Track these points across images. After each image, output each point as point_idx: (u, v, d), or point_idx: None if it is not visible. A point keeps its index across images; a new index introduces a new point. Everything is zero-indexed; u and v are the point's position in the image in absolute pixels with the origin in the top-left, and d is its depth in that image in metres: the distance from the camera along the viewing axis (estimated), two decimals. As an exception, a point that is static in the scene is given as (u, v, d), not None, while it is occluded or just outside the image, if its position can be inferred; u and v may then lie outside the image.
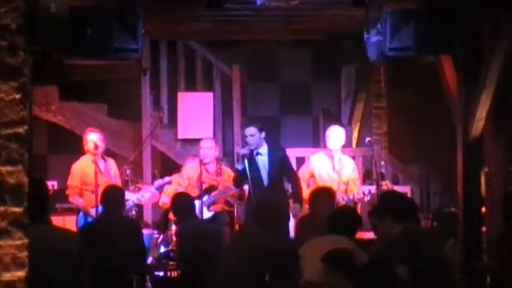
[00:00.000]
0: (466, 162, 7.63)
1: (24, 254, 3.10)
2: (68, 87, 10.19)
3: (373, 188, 8.51)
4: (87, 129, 8.66)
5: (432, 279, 5.23)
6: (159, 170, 10.03)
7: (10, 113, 3.06)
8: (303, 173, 8.69)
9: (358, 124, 11.07)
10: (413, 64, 8.54)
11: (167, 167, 10.08)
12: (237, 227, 8.82)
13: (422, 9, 7.25)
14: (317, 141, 11.08)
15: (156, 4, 8.02)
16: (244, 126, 8.60)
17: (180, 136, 10.16)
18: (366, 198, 8.51)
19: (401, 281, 4.52)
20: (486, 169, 7.90)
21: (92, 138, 8.40)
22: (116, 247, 6.36)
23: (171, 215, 7.84)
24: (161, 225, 8.81)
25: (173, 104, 10.24)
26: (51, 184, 8.50)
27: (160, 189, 8.63)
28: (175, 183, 8.64)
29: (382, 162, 9.65)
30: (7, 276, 3.07)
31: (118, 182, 8.37)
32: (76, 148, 8.74)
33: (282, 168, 8.32)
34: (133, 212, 8.50)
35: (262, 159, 8.26)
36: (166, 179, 8.61)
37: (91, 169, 8.18)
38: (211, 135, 9.74)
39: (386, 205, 5.66)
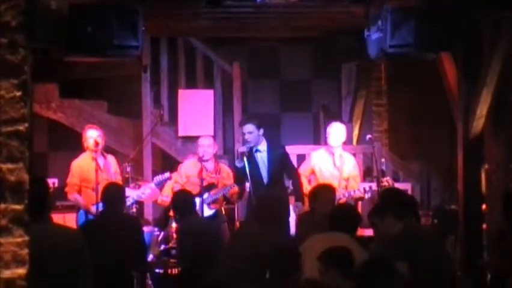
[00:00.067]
0: (466, 159, 7.63)
1: (24, 251, 3.10)
2: (69, 84, 10.18)
3: (374, 185, 8.51)
4: (86, 126, 8.62)
5: (432, 277, 5.24)
6: (159, 167, 10.04)
7: (11, 111, 3.06)
8: (303, 170, 8.69)
9: (358, 121, 11.06)
10: (414, 61, 8.55)
11: (168, 164, 10.08)
12: (237, 224, 8.82)
13: (423, 6, 7.25)
14: (317, 138, 11.08)
15: (156, 1, 8.02)
16: (242, 123, 8.58)
17: (181, 133, 10.16)
18: (367, 195, 8.51)
19: (401, 278, 4.52)
20: (486, 166, 7.91)
21: (92, 135, 8.37)
22: (117, 244, 6.36)
23: (171, 212, 7.84)
24: (162, 222, 8.81)
25: (174, 101, 10.24)
26: (52, 182, 8.51)
27: (160, 185, 8.63)
28: (172, 181, 8.63)
29: (382, 160, 9.65)
30: (7, 273, 3.07)
31: (118, 179, 8.37)
32: (77, 145, 8.74)
33: (282, 166, 8.32)
34: (134, 209, 8.50)
35: (262, 156, 8.25)
36: (166, 174, 8.60)
37: (91, 166, 8.17)
38: (212, 132, 9.75)
39: (386, 204, 5.67)
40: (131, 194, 8.34)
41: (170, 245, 7.85)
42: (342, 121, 9.69)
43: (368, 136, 9.11)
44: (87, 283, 4.39)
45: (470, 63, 7.49)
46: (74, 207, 8.56)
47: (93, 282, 4.44)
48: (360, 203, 8.78)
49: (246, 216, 8.41)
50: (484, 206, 7.82)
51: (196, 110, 10.11)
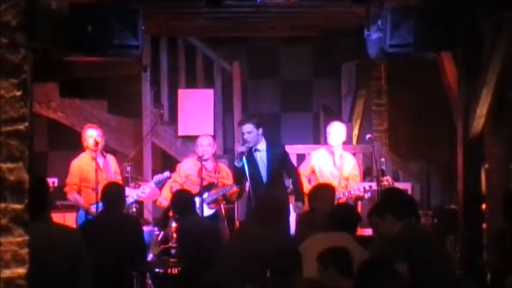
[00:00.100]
0: (466, 159, 7.63)
1: (24, 250, 3.10)
2: (69, 84, 10.18)
3: (374, 184, 8.51)
4: (86, 126, 8.60)
5: (432, 276, 5.24)
6: (159, 167, 10.03)
7: (10, 110, 3.06)
8: (303, 169, 8.69)
9: (358, 121, 11.06)
10: (414, 61, 8.55)
11: (168, 164, 10.07)
12: (237, 224, 8.82)
13: (423, 6, 7.26)
14: (317, 138, 11.08)
15: (156, 1, 8.03)
16: (241, 123, 8.57)
17: (180, 133, 10.16)
18: (367, 195, 8.51)
19: (400, 278, 4.52)
20: (486, 166, 7.91)
21: (91, 134, 8.35)
22: (116, 244, 6.36)
23: (171, 212, 7.83)
24: (162, 222, 8.80)
25: (174, 100, 10.24)
26: (52, 181, 8.49)
27: (160, 184, 8.62)
28: (171, 181, 8.63)
29: (382, 159, 9.64)
30: (7, 273, 3.07)
31: (118, 179, 8.36)
32: (77, 145, 8.73)
33: (281, 165, 8.32)
34: (133, 209, 8.49)
35: (261, 156, 8.25)
36: (166, 174, 8.59)
37: (91, 166, 8.16)
38: (212, 132, 9.74)
39: (386, 203, 5.67)
40: (131, 194, 8.34)
41: (170, 244, 7.85)
42: (342, 121, 9.69)
43: (368, 136, 9.11)
44: (86, 282, 4.39)
45: (470, 63, 7.49)
46: (74, 207, 8.56)
47: (92, 282, 4.45)
48: (360, 202, 8.78)
49: (246, 216, 8.41)
50: (483, 206, 7.82)
51: (196, 109, 10.11)
